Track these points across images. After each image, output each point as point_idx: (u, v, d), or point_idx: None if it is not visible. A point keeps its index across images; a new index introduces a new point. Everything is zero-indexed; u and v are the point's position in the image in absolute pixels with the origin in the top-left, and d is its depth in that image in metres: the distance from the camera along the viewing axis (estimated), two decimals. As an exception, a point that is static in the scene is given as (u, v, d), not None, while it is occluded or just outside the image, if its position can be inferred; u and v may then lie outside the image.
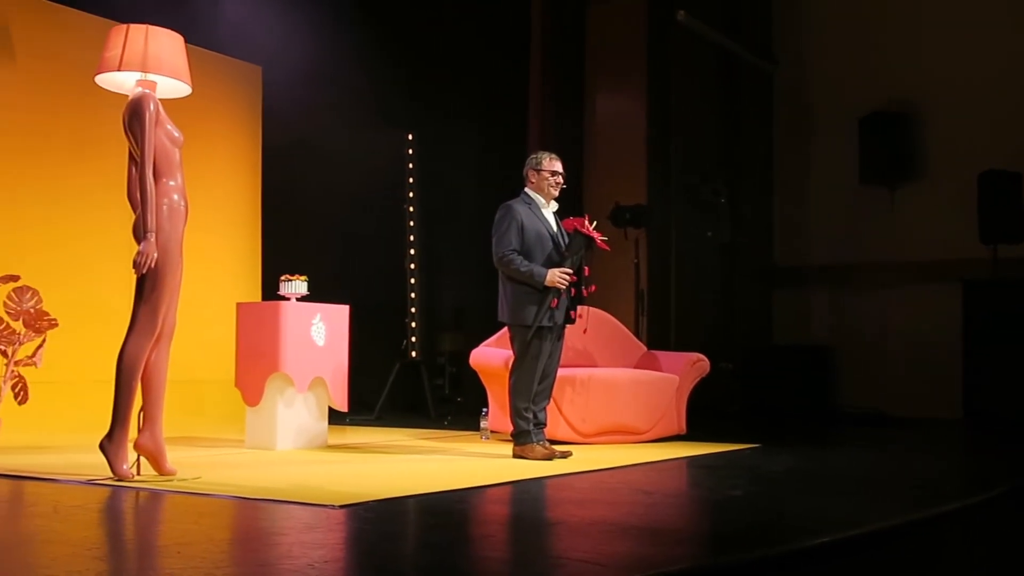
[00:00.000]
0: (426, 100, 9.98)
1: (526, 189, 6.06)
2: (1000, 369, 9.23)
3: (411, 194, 9.84)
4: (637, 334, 8.86)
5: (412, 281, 9.79)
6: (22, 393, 6.72)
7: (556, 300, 5.79)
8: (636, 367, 7.54)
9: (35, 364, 6.75)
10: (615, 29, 10.11)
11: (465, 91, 10.08)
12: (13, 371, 6.70)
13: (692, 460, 6.02)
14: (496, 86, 10.16)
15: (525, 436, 5.84)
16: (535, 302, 5.79)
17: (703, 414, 7.85)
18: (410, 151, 9.86)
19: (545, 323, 5.81)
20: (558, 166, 6.03)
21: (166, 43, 4.74)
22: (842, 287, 10.91)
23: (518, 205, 5.96)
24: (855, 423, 9.44)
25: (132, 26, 4.72)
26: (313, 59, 8.98)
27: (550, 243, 5.91)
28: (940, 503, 4.27)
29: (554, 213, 6.08)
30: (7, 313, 6.75)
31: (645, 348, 7.85)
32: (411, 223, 9.82)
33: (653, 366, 7.49)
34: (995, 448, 7.48)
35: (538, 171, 6.01)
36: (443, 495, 4.36)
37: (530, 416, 5.87)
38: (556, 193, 6.04)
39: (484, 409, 7.22)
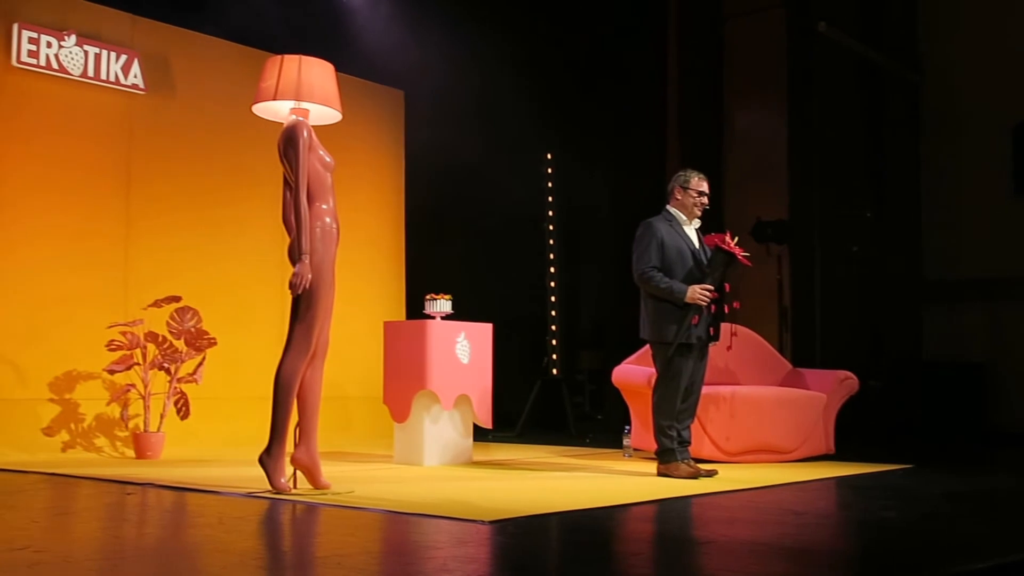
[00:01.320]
0: (564, 119, 10.07)
1: (668, 206, 6.04)
2: None
3: (550, 212, 9.92)
4: (781, 351, 8.71)
5: (552, 299, 9.86)
6: (184, 409, 7.06)
7: (697, 317, 5.75)
8: (781, 385, 7.41)
9: (196, 381, 7.08)
10: (753, 43, 10.00)
11: (603, 109, 10.13)
12: (176, 388, 7.05)
13: (842, 480, 5.88)
14: (634, 104, 10.17)
15: (669, 454, 5.81)
16: (676, 319, 5.76)
17: (851, 433, 7.66)
18: (549, 170, 9.95)
19: (686, 340, 5.77)
20: (705, 186, 6.00)
21: (318, 72, 4.93)
22: (997, 301, 10.47)
23: (659, 222, 5.95)
24: (1014, 444, 9.04)
25: (286, 57, 4.92)
26: (453, 82, 9.18)
27: (691, 260, 5.87)
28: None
29: (696, 230, 6.04)
30: (170, 332, 7.11)
31: (790, 366, 7.71)
32: (551, 241, 9.90)
33: (799, 384, 7.36)
34: None
35: (684, 189, 5.99)
36: (590, 512, 4.38)
37: (674, 434, 5.83)
38: (699, 213, 6.00)
39: (627, 427, 7.21)
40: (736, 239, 5.88)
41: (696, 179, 6.00)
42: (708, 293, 5.73)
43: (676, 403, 5.82)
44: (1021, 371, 10.13)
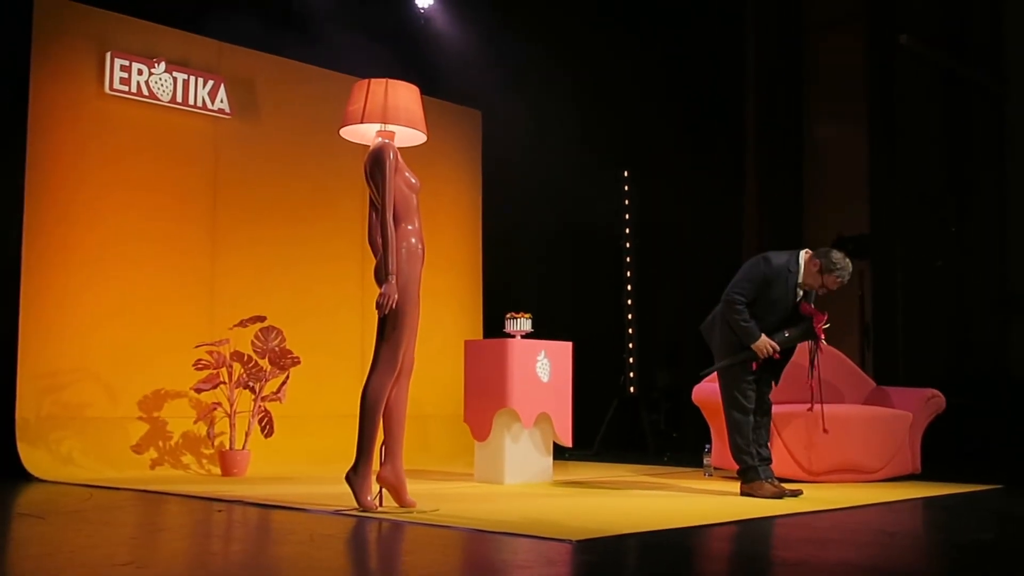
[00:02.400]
0: (640, 136, 10.05)
1: (802, 257, 5.80)
2: None
3: (627, 230, 9.91)
4: (863, 368, 8.56)
5: (629, 317, 9.83)
6: (268, 427, 7.18)
7: (756, 364, 5.78)
8: (865, 403, 7.30)
9: (280, 399, 7.20)
10: (833, 55, 9.89)
11: (679, 125, 10.09)
12: (260, 406, 7.17)
13: (932, 501, 5.76)
14: (710, 119, 10.12)
15: (752, 472, 5.75)
16: (732, 353, 5.78)
17: (937, 452, 7.50)
18: (626, 187, 9.94)
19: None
20: (837, 287, 5.78)
21: (404, 95, 5.00)
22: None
23: (779, 266, 5.77)
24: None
25: (373, 80, 5.00)
26: (528, 101, 9.24)
27: (782, 314, 5.80)
28: None
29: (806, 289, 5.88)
30: (255, 351, 7.24)
31: (874, 383, 7.59)
32: (627, 259, 9.88)
33: (884, 402, 7.23)
34: None
35: (824, 273, 5.71)
36: (676, 532, 4.35)
37: (752, 451, 5.78)
38: (819, 293, 5.88)
39: (707, 445, 7.15)
40: (828, 325, 5.83)
41: (837, 276, 5.71)
42: (772, 351, 5.73)
43: (749, 422, 5.79)
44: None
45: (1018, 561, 3.81)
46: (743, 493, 5.77)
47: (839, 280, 5.75)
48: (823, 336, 5.81)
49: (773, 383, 5.98)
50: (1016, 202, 10.81)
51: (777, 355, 5.77)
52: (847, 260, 5.77)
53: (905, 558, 3.87)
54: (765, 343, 5.70)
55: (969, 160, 10.64)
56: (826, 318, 5.81)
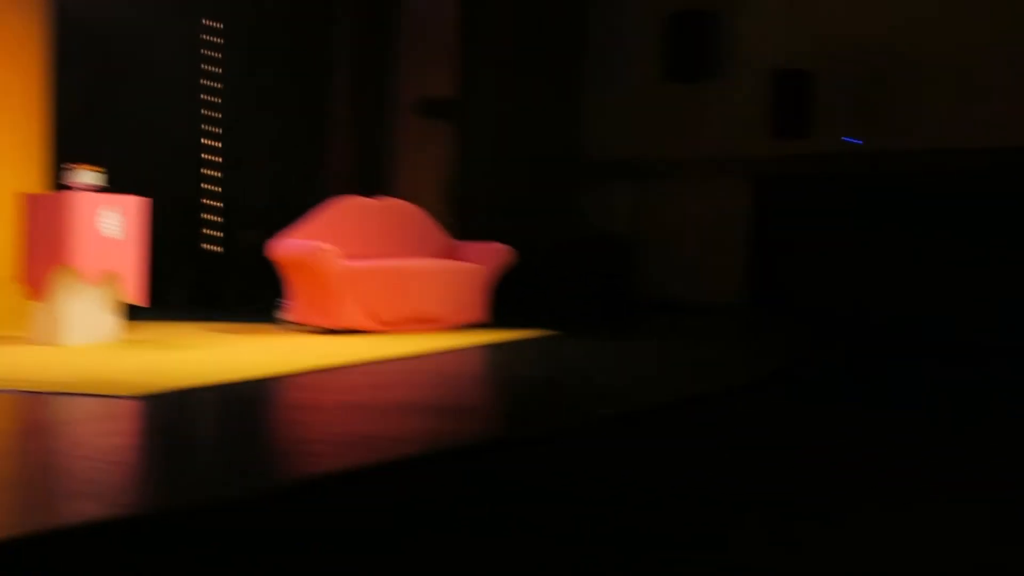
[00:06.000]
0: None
1: None
2: (786, 259, 9.73)
3: (218, 84, 9.45)
4: (443, 226, 8.87)
5: (216, 173, 9.48)
6: None
7: None
8: (439, 257, 7.58)
9: None
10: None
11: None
12: None
13: (494, 346, 6.13)
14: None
15: None
16: None
17: (506, 304, 7.98)
18: (218, 40, 9.43)
19: None
20: None
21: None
22: (645, 181, 11.15)
23: None
24: (654, 311, 9.80)
25: None
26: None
27: None
28: (717, 382, 4.54)
29: None
30: None
31: (449, 238, 7.90)
32: (212, 113, 9.47)
33: (457, 256, 7.56)
34: (772, 334, 7.96)
35: None
36: (248, 383, 4.31)
37: None
38: None
39: (278, 299, 7.11)
40: None
41: None
42: None
43: None
44: (662, 246, 10.90)
45: (561, 390, 4.16)
46: None
47: None
48: None
49: None
50: (589, 74, 11.48)
51: None
52: None
53: (458, 395, 4.10)
54: None
55: (551, 32, 11.08)
56: None
